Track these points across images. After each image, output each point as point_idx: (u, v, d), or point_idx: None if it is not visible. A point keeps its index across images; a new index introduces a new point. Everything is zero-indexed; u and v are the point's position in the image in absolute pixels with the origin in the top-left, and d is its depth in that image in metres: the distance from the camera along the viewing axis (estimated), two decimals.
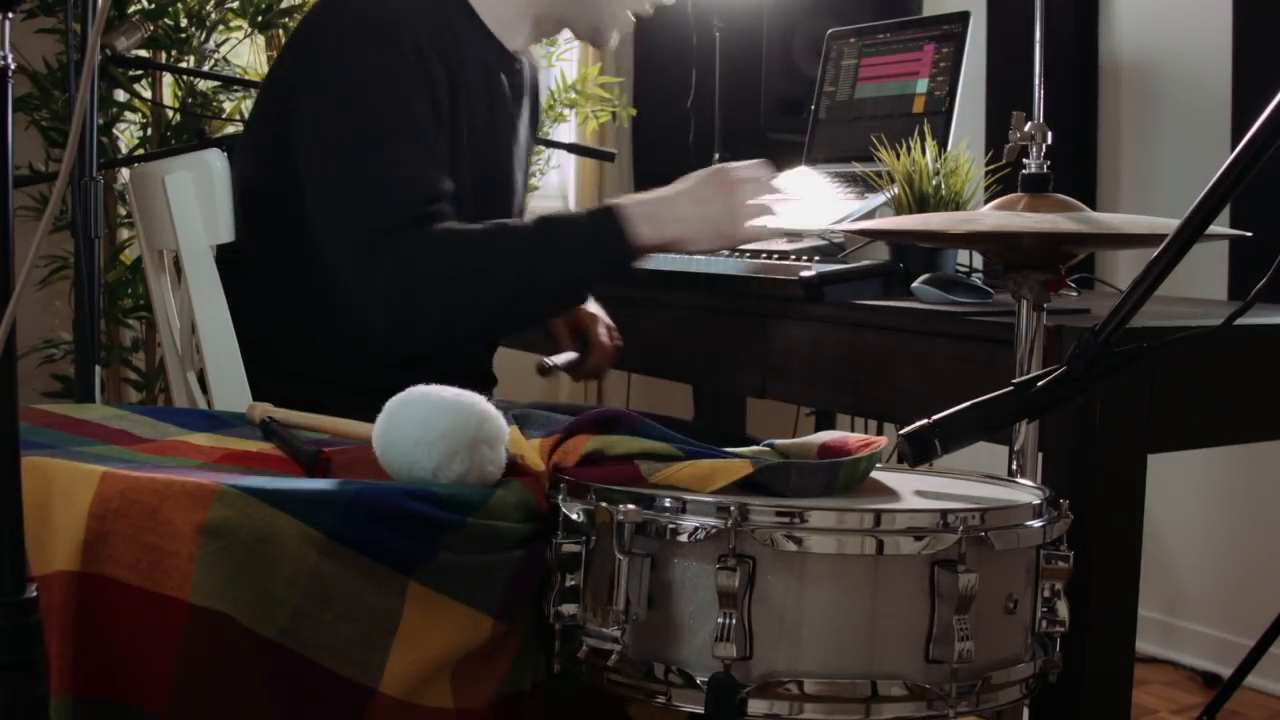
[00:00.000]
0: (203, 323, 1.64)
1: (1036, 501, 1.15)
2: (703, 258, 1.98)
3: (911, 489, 1.23)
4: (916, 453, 1.20)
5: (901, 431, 1.20)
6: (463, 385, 1.25)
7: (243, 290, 1.67)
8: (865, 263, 1.87)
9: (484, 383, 1.78)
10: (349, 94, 1.57)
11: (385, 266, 1.50)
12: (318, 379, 1.64)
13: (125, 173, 2.84)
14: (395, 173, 1.54)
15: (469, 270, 1.53)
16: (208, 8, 2.93)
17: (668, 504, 1.09)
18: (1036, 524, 1.12)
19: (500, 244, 1.56)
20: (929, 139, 1.94)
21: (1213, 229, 1.13)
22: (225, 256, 1.70)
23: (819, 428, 2.66)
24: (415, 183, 1.55)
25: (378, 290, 1.50)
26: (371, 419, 1.24)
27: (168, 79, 3.00)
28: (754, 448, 1.32)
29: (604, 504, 1.10)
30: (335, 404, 1.47)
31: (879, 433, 2.53)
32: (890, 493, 1.21)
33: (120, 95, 2.95)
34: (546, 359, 1.93)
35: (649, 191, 1.66)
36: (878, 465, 1.33)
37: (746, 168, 1.68)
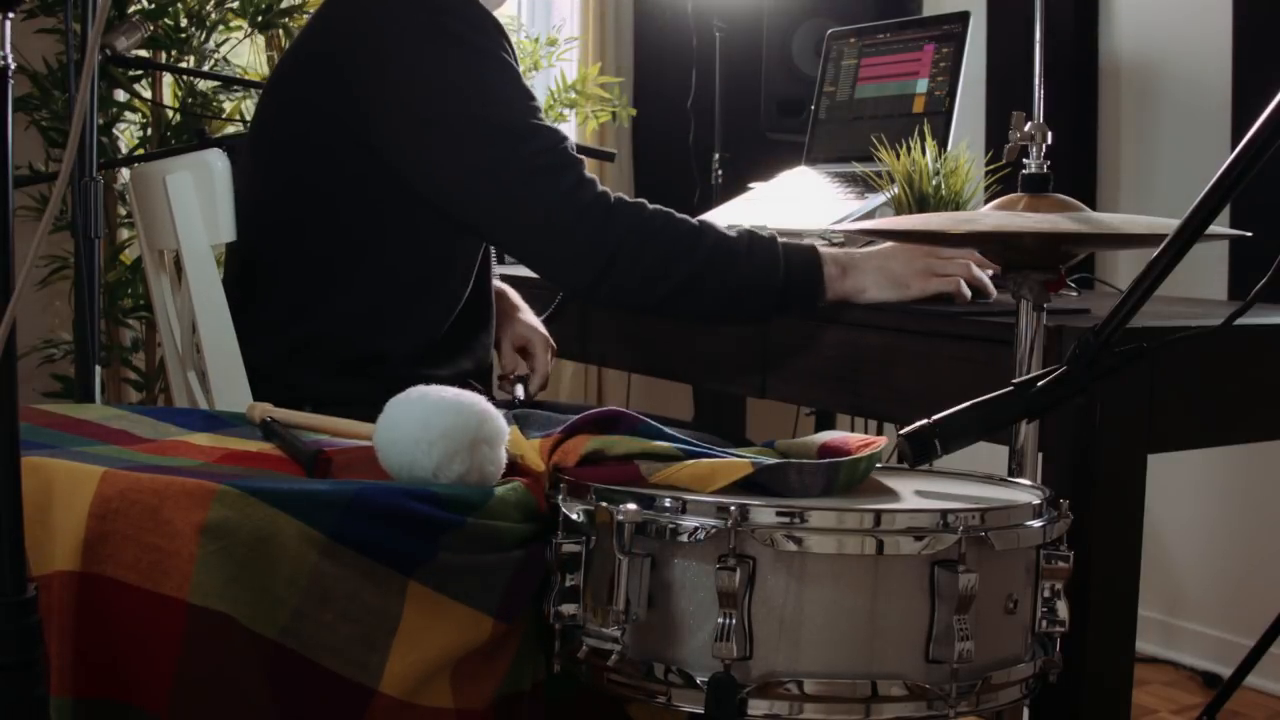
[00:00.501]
0: (203, 323, 1.64)
1: (1036, 501, 1.15)
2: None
3: (911, 489, 1.23)
4: (916, 453, 1.20)
5: (901, 431, 1.20)
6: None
7: (302, 289, 1.66)
8: None
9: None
10: (478, 75, 1.59)
11: (585, 221, 1.57)
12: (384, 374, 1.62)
13: (125, 173, 2.84)
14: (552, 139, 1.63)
15: (679, 250, 1.59)
16: (208, 8, 2.93)
17: (668, 504, 1.09)
18: (1036, 524, 1.12)
19: (709, 240, 1.61)
20: (929, 139, 1.94)
21: (1213, 229, 1.13)
22: (248, 258, 1.71)
23: (819, 428, 2.66)
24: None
25: (576, 243, 1.58)
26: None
27: (168, 79, 3.00)
28: (753, 447, 1.32)
29: (604, 504, 1.10)
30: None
31: (879, 433, 2.53)
32: (890, 493, 1.21)
33: (120, 95, 2.95)
34: (507, 390, 1.93)
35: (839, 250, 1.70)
36: (878, 465, 1.33)
37: (948, 253, 1.67)
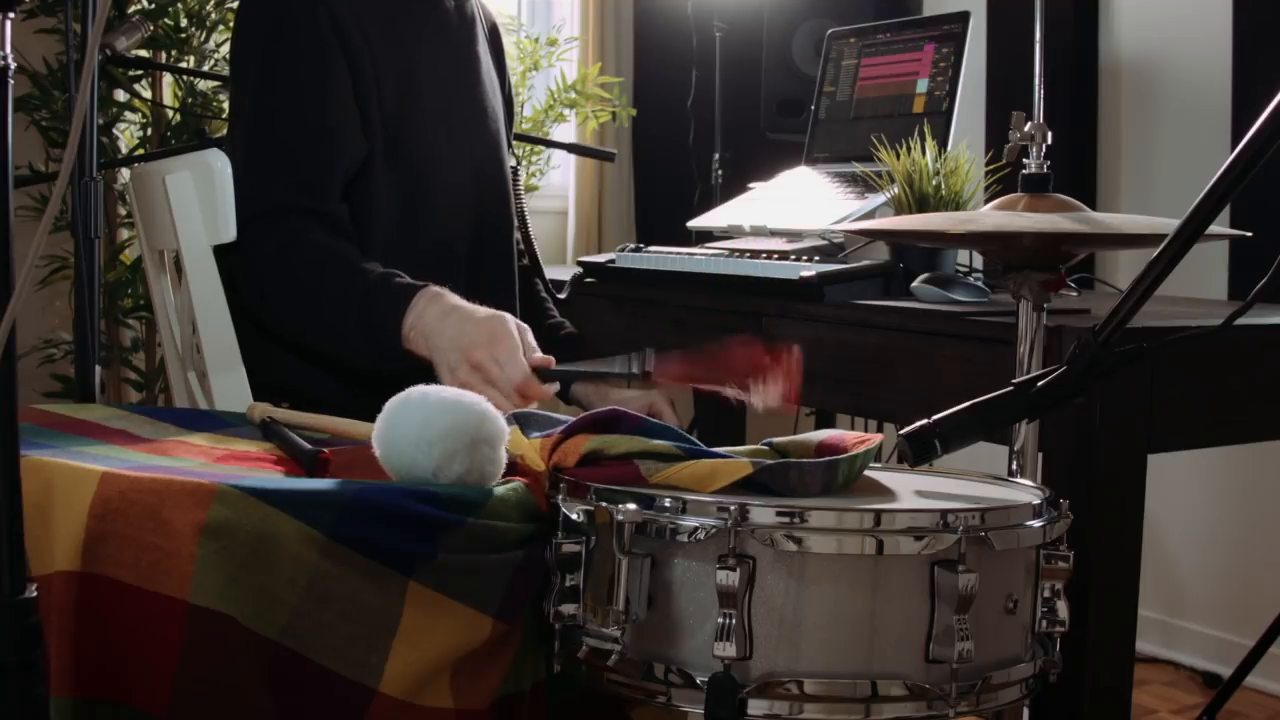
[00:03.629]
0: (203, 323, 1.64)
1: (1036, 501, 1.15)
2: (703, 257, 1.98)
3: (911, 489, 1.23)
4: (917, 453, 1.20)
5: (901, 431, 1.20)
6: None
7: None
8: (865, 263, 1.88)
9: None
10: (251, 75, 1.67)
11: (248, 247, 1.64)
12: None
13: (125, 173, 2.84)
14: (283, 158, 1.64)
15: (298, 284, 1.62)
16: (208, 8, 2.93)
17: (668, 504, 1.09)
18: (1036, 524, 1.12)
19: (308, 276, 1.62)
20: (929, 139, 1.94)
21: (1213, 229, 1.13)
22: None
23: (819, 427, 2.66)
24: (300, 170, 1.64)
25: (243, 268, 1.65)
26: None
27: (168, 79, 3.00)
28: (752, 446, 1.32)
29: (604, 504, 1.10)
30: None
31: (879, 432, 2.53)
32: (890, 493, 1.21)
33: (120, 95, 2.96)
34: None
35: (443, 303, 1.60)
36: (879, 466, 1.33)
37: (518, 353, 1.53)
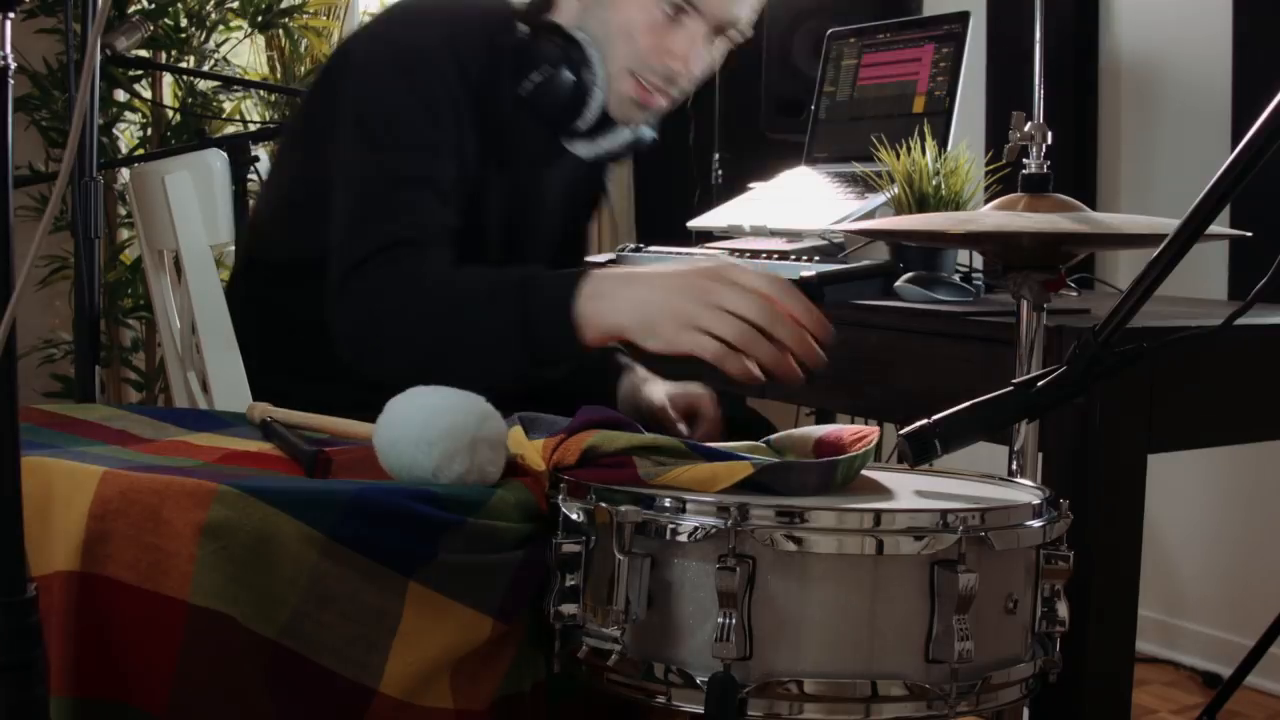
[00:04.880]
0: (203, 323, 1.64)
1: (1036, 501, 1.15)
2: (703, 257, 1.98)
3: (911, 489, 1.23)
4: (917, 453, 1.20)
5: (901, 431, 1.20)
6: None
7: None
8: (865, 263, 1.87)
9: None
10: (368, 116, 1.56)
11: (352, 292, 1.49)
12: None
13: (125, 173, 2.84)
14: (383, 202, 1.53)
15: (413, 312, 1.47)
16: (208, 8, 2.93)
17: (667, 504, 1.09)
18: (1036, 524, 1.12)
19: (442, 294, 1.47)
20: (929, 139, 1.94)
21: (1213, 229, 1.13)
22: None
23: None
24: (408, 212, 1.52)
25: (343, 315, 1.49)
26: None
27: (168, 79, 3.01)
28: (750, 443, 1.32)
29: (604, 504, 1.10)
30: None
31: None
32: (890, 492, 1.21)
33: (120, 95, 2.96)
34: None
35: (623, 269, 1.45)
36: (879, 465, 1.33)
37: (757, 276, 1.32)
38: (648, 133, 1.81)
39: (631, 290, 1.35)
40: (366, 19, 3.51)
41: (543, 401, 1.43)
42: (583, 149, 1.71)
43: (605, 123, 1.68)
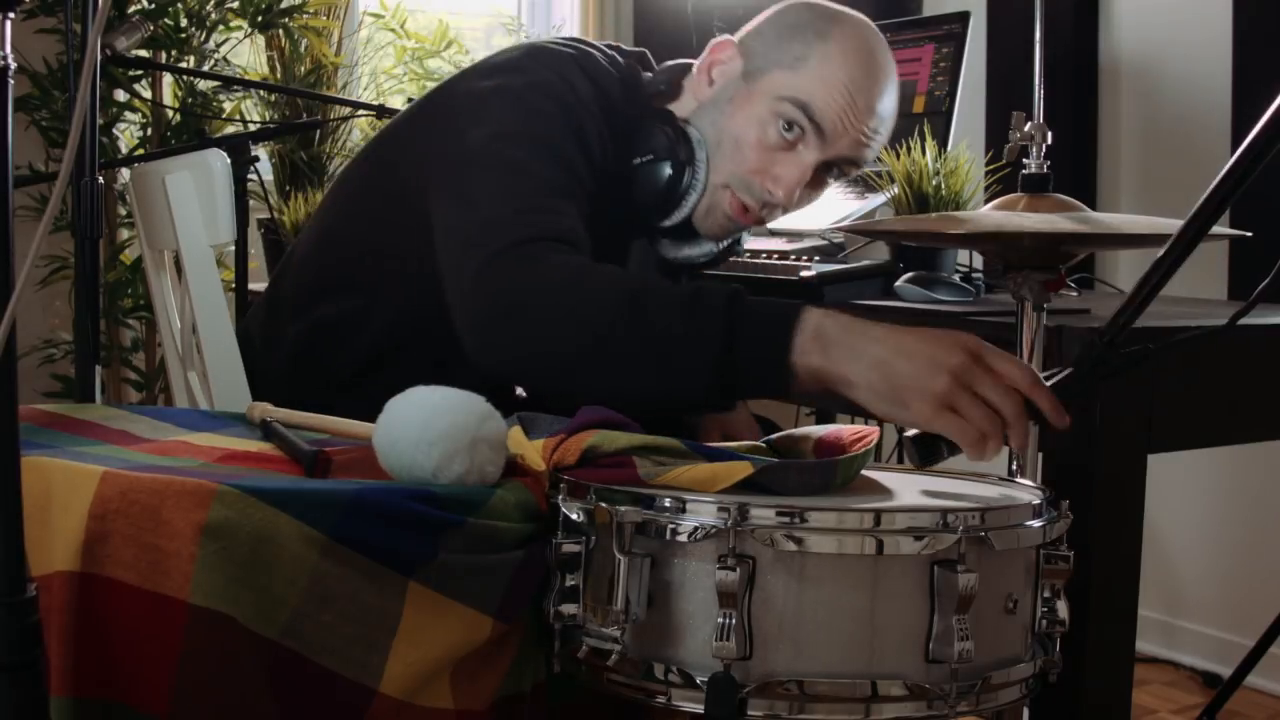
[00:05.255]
0: (203, 323, 1.64)
1: (1036, 501, 1.15)
2: (701, 257, 1.98)
3: (911, 489, 1.23)
4: (922, 455, 1.20)
5: (907, 433, 1.20)
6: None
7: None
8: (865, 263, 1.88)
9: None
10: (511, 136, 1.49)
11: (494, 278, 1.37)
12: None
13: (125, 173, 2.84)
14: (526, 200, 1.44)
15: (571, 315, 1.33)
16: (208, 8, 2.93)
17: (667, 504, 1.09)
18: (1036, 524, 1.12)
19: (620, 291, 1.32)
20: (929, 139, 1.94)
21: (1213, 229, 1.13)
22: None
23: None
24: (553, 208, 1.45)
25: (478, 303, 1.39)
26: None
27: (168, 79, 3.00)
28: (749, 443, 1.32)
29: (603, 504, 1.10)
30: None
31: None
32: (890, 493, 1.21)
33: (120, 95, 2.96)
34: None
35: (845, 316, 1.28)
36: (879, 465, 1.33)
37: (1014, 365, 1.20)
38: (739, 248, 1.74)
39: (871, 347, 1.22)
40: (367, 19, 3.52)
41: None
42: (667, 248, 1.64)
43: (691, 229, 1.61)
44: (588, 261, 1.40)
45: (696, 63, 1.63)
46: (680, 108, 1.62)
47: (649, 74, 1.67)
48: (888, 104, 1.57)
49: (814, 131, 1.54)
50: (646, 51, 1.70)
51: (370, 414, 1.23)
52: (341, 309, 1.62)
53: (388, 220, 1.59)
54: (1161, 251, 1.13)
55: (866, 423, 1.38)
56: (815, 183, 1.58)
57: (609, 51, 1.65)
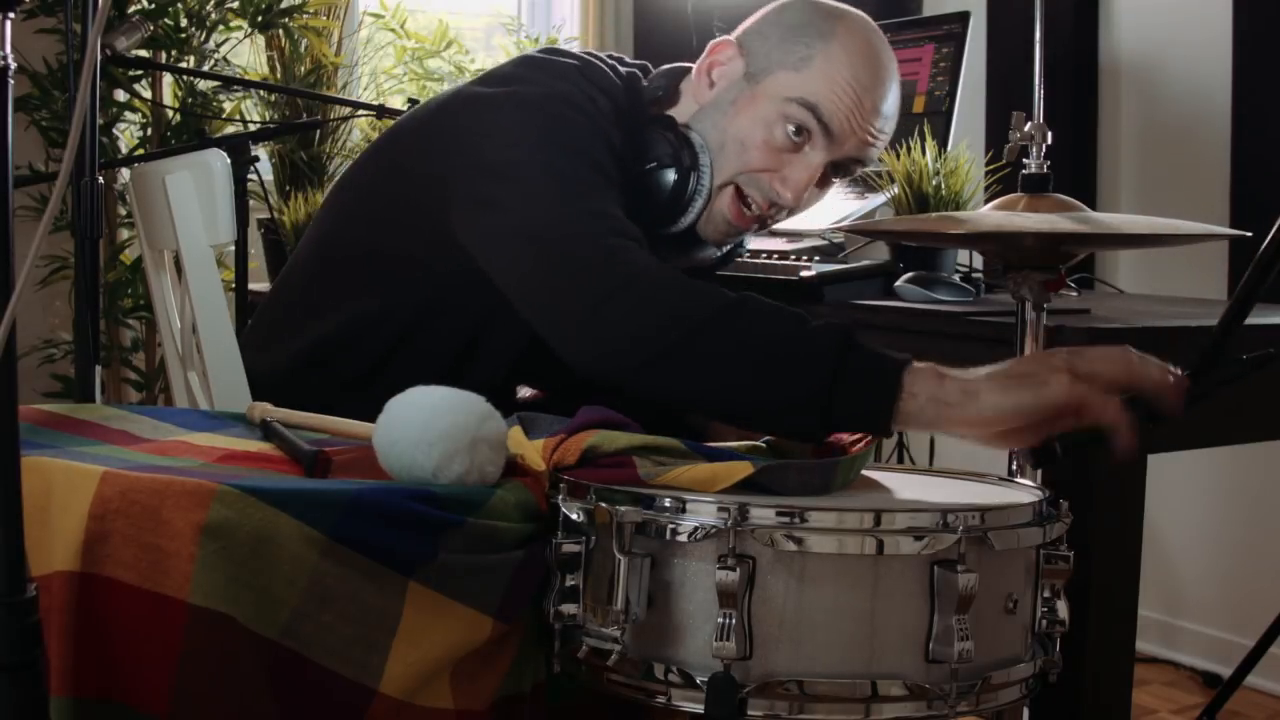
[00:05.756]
0: (203, 323, 1.64)
1: (1036, 501, 1.15)
2: (703, 262, 1.98)
3: (911, 489, 1.23)
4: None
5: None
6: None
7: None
8: (865, 263, 1.88)
9: None
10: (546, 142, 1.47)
11: (587, 277, 1.35)
12: None
13: (125, 173, 2.84)
14: (603, 206, 1.43)
15: (678, 315, 1.30)
16: (208, 8, 2.93)
17: (667, 504, 1.09)
18: (1036, 524, 1.12)
19: (731, 314, 1.28)
20: (929, 139, 1.94)
21: (1212, 229, 1.13)
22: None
23: None
24: (611, 211, 1.43)
25: (571, 300, 1.36)
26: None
27: (168, 79, 3.00)
28: (750, 443, 1.32)
29: (603, 504, 1.10)
30: None
31: None
32: (890, 493, 1.21)
33: (120, 95, 2.96)
34: None
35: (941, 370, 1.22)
36: (880, 466, 1.33)
37: (1108, 361, 1.18)
38: (741, 249, 1.73)
39: (985, 399, 1.18)
40: (367, 19, 3.52)
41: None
42: (668, 255, 1.61)
43: (693, 235, 1.61)
44: (681, 280, 1.35)
45: (695, 65, 1.63)
46: (680, 112, 1.61)
47: (647, 80, 1.66)
48: (892, 103, 1.57)
49: (822, 133, 1.53)
50: (648, 64, 1.70)
51: (377, 415, 1.23)
52: (351, 313, 1.61)
53: (397, 224, 1.59)
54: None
55: None
56: (821, 182, 1.58)
57: (609, 61, 1.64)
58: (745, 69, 1.57)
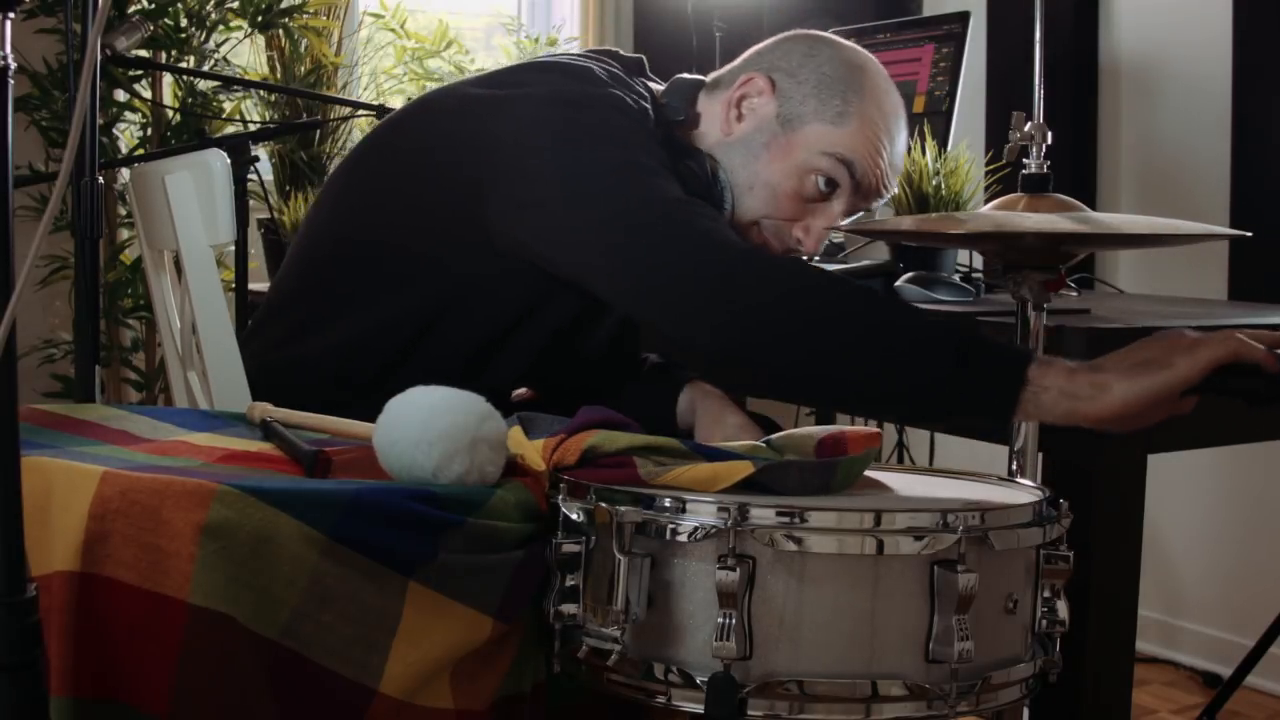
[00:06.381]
0: (203, 323, 1.64)
1: (1036, 501, 1.15)
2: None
3: (912, 489, 1.23)
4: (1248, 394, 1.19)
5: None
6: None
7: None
8: (865, 263, 1.88)
9: None
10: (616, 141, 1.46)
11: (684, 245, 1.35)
12: None
13: (125, 173, 2.84)
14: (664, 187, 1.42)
15: (799, 299, 1.29)
16: (208, 8, 2.93)
17: (667, 504, 1.09)
18: (1036, 524, 1.12)
19: (862, 301, 1.29)
20: (929, 139, 1.94)
21: (1213, 229, 1.13)
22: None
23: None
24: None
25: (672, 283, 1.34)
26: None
27: (168, 79, 3.00)
28: (750, 443, 1.32)
29: (603, 504, 1.10)
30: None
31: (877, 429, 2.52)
32: (890, 492, 1.21)
33: (120, 95, 2.96)
34: None
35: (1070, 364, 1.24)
36: (880, 466, 1.33)
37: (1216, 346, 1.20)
38: None
39: (1116, 390, 1.19)
40: (367, 19, 3.52)
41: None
42: None
43: None
44: (791, 262, 1.41)
45: (727, 95, 1.60)
46: (702, 137, 1.61)
47: (662, 96, 1.64)
48: (903, 154, 1.63)
49: (851, 187, 1.56)
50: (644, 58, 1.69)
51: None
52: (367, 315, 1.59)
53: (419, 226, 1.56)
54: None
55: (866, 424, 1.38)
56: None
57: (613, 64, 1.63)
58: (778, 110, 1.58)
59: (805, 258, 1.60)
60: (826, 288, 1.31)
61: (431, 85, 3.53)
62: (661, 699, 1.08)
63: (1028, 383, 1.20)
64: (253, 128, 2.97)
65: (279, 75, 3.23)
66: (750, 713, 1.04)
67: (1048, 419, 1.22)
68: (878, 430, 1.26)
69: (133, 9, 2.80)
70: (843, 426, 1.30)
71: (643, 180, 1.43)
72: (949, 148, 2.02)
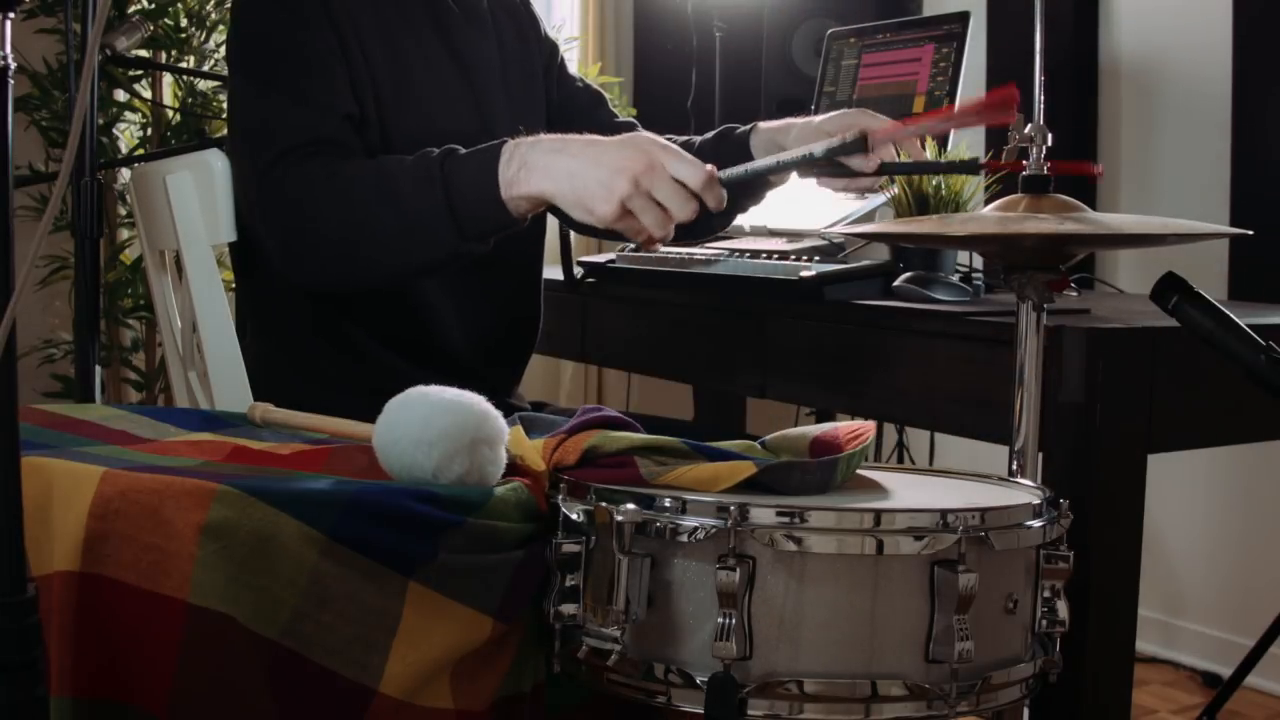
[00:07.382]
0: (203, 323, 1.64)
1: (1036, 501, 1.15)
2: (703, 257, 1.98)
3: (912, 489, 1.23)
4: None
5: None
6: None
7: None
8: (865, 263, 1.87)
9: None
10: (242, 38, 1.59)
11: (268, 202, 1.50)
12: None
13: (125, 173, 2.84)
14: (278, 114, 1.52)
15: (336, 205, 1.46)
16: (208, 8, 2.93)
17: (668, 504, 1.09)
18: (1036, 524, 1.12)
19: (368, 180, 1.46)
20: (929, 139, 1.94)
21: (1213, 228, 1.13)
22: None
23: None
24: (298, 122, 1.52)
25: (269, 229, 1.50)
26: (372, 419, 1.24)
27: (168, 79, 3.00)
28: (744, 443, 1.32)
29: (604, 504, 1.10)
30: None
31: (878, 432, 2.52)
32: (890, 493, 1.21)
33: (120, 95, 2.96)
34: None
35: (553, 136, 1.45)
36: (879, 466, 1.33)
37: (684, 160, 1.38)
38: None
39: (561, 161, 1.39)
40: None
41: None
42: None
43: None
44: (339, 166, 1.49)
45: None
46: None
47: None
48: None
49: None
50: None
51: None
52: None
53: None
54: None
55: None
56: None
57: None
58: None
59: None
60: (351, 193, 1.46)
61: None
62: (661, 699, 1.08)
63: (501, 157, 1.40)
64: None
65: None
66: (750, 713, 1.04)
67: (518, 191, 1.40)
68: (870, 424, 1.27)
69: (133, 9, 2.79)
70: (836, 425, 1.31)
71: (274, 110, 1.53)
72: (949, 148, 2.02)
